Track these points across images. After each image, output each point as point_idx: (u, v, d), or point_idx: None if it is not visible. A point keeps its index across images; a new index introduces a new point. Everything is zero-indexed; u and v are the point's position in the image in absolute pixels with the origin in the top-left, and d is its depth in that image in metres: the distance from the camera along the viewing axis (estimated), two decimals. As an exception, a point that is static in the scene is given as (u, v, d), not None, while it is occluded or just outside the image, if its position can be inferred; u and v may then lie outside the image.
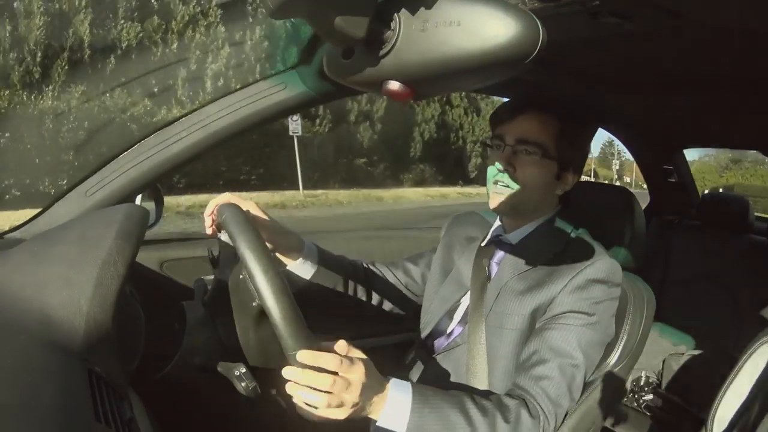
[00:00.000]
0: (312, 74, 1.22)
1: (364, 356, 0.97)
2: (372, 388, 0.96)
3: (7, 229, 1.22)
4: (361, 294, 1.39)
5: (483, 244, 1.36)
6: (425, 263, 1.48)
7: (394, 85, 0.72)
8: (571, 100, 1.54)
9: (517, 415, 1.05)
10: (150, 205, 1.35)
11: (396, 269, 1.47)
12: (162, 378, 1.09)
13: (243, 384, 1.01)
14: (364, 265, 1.44)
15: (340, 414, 0.91)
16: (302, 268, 1.27)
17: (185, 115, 1.24)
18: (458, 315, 1.31)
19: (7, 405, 0.56)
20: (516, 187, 1.22)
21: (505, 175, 1.21)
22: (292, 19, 0.73)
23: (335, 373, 0.90)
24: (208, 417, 1.22)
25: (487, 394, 1.13)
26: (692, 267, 2.33)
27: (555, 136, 1.21)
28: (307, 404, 0.90)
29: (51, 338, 0.70)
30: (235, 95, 1.25)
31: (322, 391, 0.88)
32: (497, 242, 1.33)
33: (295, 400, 0.91)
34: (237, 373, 1.01)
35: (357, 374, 0.92)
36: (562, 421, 1.15)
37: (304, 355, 0.89)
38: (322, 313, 1.52)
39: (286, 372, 0.90)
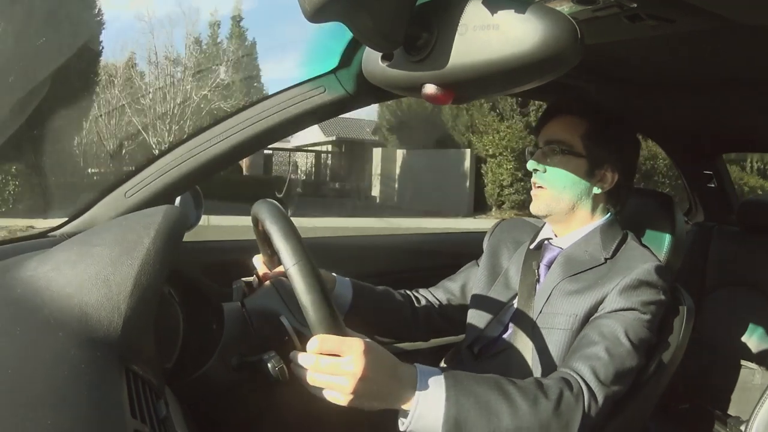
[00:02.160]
0: (351, 77, 1.22)
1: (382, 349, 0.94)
2: (395, 376, 0.92)
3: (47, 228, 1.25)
4: (405, 320, 1.44)
5: (531, 246, 1.36)
6: (463, 277, 1.51)
7: (432, 89, 0.72)
8: (610, 104, 1.51)
9: (559, 392, 1.02)
10: (189, 207, 1.37)
11: (436, 291, 1.51)
12: (198, 377, 1.10)
13: (270, 365, 1.02)
14: (404, 292, 1.48)
15: (365, 401, 0.90)
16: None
17: (224, 118, 1.25)
18: (506, 318, 1.31)
19: (43, 397, 0.57)
20: (548, 186, 1.28)
21: (538, 175, 1.28)
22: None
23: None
24: (243, 417, 1.23)
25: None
26: (731, 274, 2.23)
27: (581, 135, 1.26)
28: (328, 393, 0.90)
29: (89, 336, 0.72)
30: (274, 98, 1.25)
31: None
32: (547, 246, 1.34)
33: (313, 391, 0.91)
34: (266, 356, 1.02)
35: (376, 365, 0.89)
36: (613, 408, 1.11)
37: (328, 341, 0.87)
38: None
39: (304, 359, 0.90)
